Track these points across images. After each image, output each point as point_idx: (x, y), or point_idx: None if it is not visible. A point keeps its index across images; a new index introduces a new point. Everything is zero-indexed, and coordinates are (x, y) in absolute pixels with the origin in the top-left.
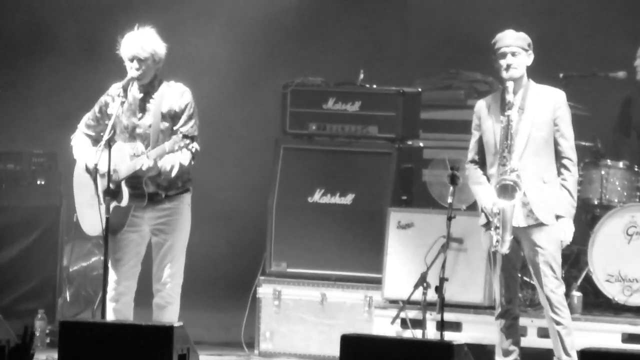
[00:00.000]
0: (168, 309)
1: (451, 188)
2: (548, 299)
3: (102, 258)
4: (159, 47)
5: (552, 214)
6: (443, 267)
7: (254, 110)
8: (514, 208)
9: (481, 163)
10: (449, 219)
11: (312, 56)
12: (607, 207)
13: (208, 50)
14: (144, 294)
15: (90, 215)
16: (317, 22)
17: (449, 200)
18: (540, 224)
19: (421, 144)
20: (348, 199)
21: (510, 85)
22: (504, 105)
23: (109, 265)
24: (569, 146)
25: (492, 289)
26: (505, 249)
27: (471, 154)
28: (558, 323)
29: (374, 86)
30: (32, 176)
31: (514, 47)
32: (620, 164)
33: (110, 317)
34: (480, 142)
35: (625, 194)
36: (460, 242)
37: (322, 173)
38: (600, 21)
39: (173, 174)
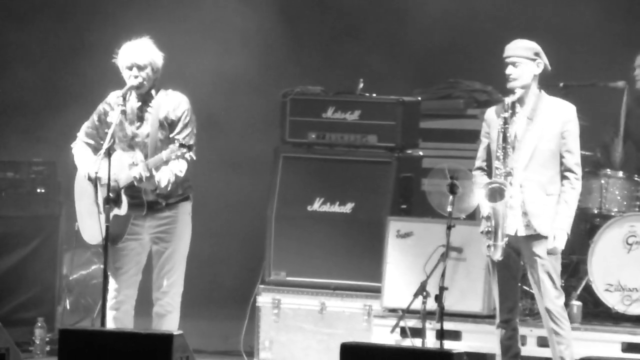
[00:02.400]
0: (168, 318)
1: (450, 197)
2: (547, 309)
3: (101, 266)
4: (157, 56)
5: (547, 224)
6: (442, 276)
7: (253, 119)
8: (504, 212)
9: (488, 170)
10: (449, 228)
11: (311, 65)
12: (607, 216)
13: (206, 59)
14: (144, 302)
15: (90, 224)
16: (316, 31)
17: (448, 209)
18: (538, 235)
19: (420, 153)
20: (347, 208)
21: (519, 92)
22: (514, 112)
23: (109, 273)
24: (574, 162)
25: (491, 298)
26: (497, 255)
27: (478, 161)
28: (557, 334)
29: (374, 95)
30: (31, 185)
31: (515, 57)
32: (620, 174)
33: (110, 325)
34: (487, 149)
35: (624, 203)
36: (460, 251)
37: (322, 182)
38: (601, 31)
39: (169, 188)
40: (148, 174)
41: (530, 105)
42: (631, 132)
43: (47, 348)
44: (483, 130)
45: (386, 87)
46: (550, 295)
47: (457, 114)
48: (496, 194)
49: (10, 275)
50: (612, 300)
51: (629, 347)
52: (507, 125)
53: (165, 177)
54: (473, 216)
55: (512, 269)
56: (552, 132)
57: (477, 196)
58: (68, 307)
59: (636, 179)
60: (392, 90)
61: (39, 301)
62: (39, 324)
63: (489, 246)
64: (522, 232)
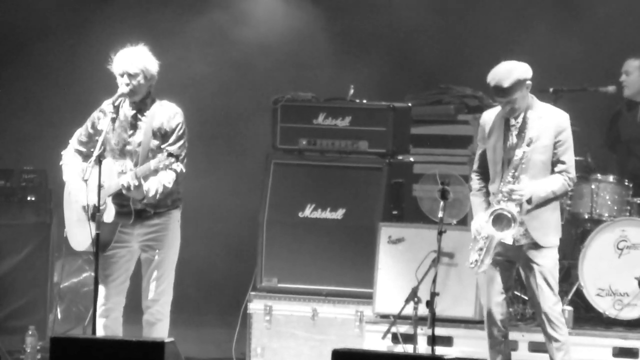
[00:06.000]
0: (158, 326)
1: (442, 203)
2: (546, 315)
3: (92, 274)
4: (150, 64)
5: (548, 235)
6: (434, 281)
7: (244, 126)
8: (500, 241)
9: (485, 174)
10: (440, 233)
11: (302, 71)
12: (598, 221)
13: (198, 67)
14: (134, 310)
15: (78, 231)
16: (307, 38)
17: (440, 215)
18: (536, 244)
19: (411, 159)
20: (339, 214)
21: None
22: (508, 123)
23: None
24: (566, 167)
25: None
26: (482, 270)
27: (476, 164)
28: (556, 340)
29: (364, 101)
30: (22, 193)
31: (509, 98)
32: (611, 178)
33: (100, 333)
34: (484, 154)
35: (615, 208)
36: (451, 257)
37: (313, 188)
38: (591, 35)
39: (157, 197)
40: (137, 183)
41: (522, 116)
42: (625, 139)
43: (39, 356)
44: (479, 135)
45: (377, 93)
46: (548, 301)
47: (448, 120)
48: (502, 222)
49: (1, 284)
50: (604, 305)
51: (620, 352)
52: (512, 143)
53: (153, 187)
54: (464, 222)
55: (504, 278)
56: (544, 144)
57: (472, 202)
58: (59, 315)
59: (627, 183)
60: (382, 96)
61: (30, 309)
62: (30, 332)
63: (476, 260)
64: (519, 242)
